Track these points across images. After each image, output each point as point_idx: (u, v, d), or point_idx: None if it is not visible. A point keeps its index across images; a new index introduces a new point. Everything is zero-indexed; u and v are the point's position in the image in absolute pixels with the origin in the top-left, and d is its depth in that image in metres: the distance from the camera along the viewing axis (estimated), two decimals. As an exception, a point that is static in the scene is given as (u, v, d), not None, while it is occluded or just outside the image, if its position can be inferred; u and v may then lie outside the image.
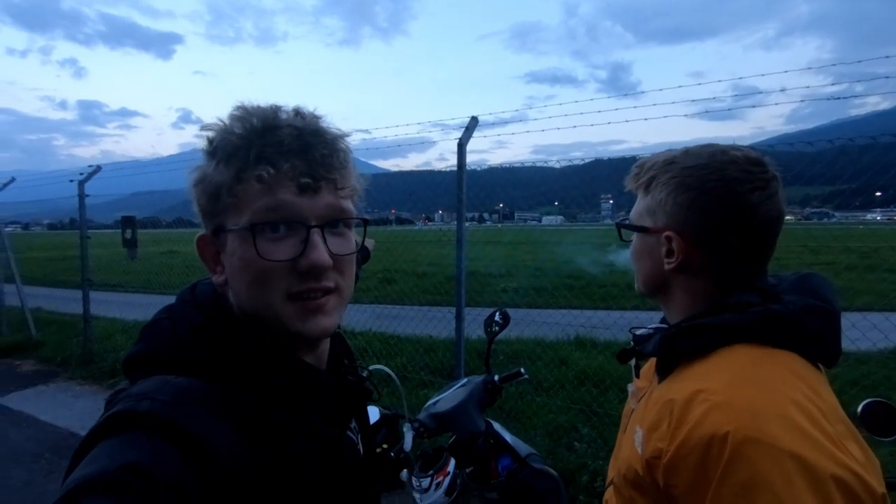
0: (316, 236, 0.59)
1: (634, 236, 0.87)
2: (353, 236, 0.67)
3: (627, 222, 0.88)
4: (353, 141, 0.67)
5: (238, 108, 0.60)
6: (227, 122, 0.60)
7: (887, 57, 2.93)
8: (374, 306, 7.61)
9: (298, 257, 0.58)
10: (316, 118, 0.62)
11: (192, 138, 0.61)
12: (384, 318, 6.31)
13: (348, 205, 0.63)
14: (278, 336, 0.61)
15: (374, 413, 1.40)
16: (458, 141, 3.30)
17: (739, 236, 0.74)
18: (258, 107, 0.60)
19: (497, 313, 1.66)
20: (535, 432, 3.52)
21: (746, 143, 3.64)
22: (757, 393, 0.62)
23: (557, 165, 4.03)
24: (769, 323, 0.69)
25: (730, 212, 0.73)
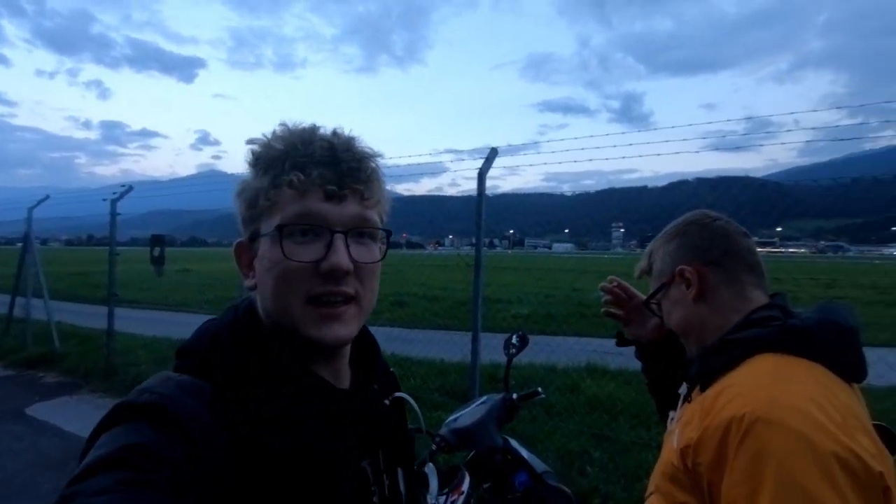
0: (339, 241, 0.61)
1: (662, 303, 1.03)
2: (378, 249, 0.68)
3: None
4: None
5: (281, 125, 0.65)
6: (270, 137, 0.65)
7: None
8: (387, 329, 7.67)
9: (321, 260, 0.60)
10: (350, 138, 0.66)
11: (209, 159, 0.71)
12: (396, 340, 6.36)
13: (373, 216, 0.66)
14: (294, 345, 0.63)
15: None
16: (478, 171, 3.46)
17: (723, 249, 0.95)
18: (299, 125, 0.65)
19: (515, 336, 1.76)
20: (548, 455, 3.54)
21: (759, 174, 3.75)
22: (776, 386, 0.73)
23: (569, 193, 4.19)
24: (788, 335, 0.79)
25: (708, 235, 0.97)
